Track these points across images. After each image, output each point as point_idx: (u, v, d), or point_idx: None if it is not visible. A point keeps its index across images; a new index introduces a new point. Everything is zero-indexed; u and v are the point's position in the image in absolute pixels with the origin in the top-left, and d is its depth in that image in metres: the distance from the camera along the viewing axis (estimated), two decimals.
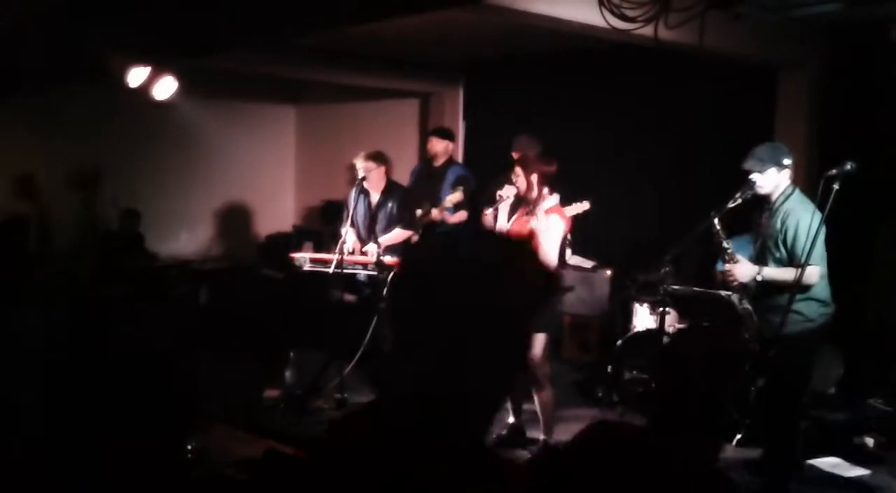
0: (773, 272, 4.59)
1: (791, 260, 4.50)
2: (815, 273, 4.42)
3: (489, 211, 5.56)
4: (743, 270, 4.65)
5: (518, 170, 5.17)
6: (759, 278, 4.58)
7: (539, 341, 5.06)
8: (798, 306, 4.44)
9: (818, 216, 4.33)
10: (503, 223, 5.34)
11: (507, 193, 5.26)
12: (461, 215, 7.08)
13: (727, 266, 4.73)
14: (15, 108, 8.06)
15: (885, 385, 6.05)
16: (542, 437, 5.30)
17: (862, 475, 5.08)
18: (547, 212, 5.05)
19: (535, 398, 5.21)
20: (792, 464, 4.66)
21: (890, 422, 5.77)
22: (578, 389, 6.63)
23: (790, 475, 4.59)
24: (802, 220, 4.44)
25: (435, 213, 6.84)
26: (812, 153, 6.42)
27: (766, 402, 4.95)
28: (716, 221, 4.69)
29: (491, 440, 5.31)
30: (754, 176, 4.59)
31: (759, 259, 4.69)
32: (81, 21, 6.00)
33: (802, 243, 4.40)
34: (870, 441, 5.50)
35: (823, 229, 4.36)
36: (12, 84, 7.20)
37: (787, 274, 4.47)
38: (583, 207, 5.71)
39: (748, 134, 6.69)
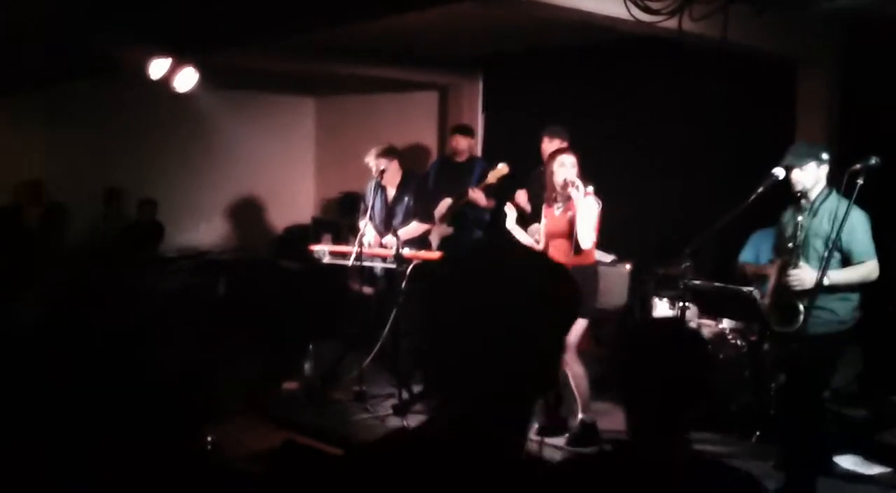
0: (840, 275, 4.40)
1: (851, 259, 4.43)
2: (876, 269, 4.38)
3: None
4: (807, 275, 4.44)
5: (564, 160, 5.36)
6: (826, 282, 4.32)
7: (579, 326, 5.26)
8: (833, 304, 4.40)
9: (865, 213, 4.31)
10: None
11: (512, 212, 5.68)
12: (490, 202, 7.03)
13: (790, 271, 4.53)
14: (31, 99, 8.13)
15: None
16: (580, 416, 5.43)
17: (883, 473, 5.04)
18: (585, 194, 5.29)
19: (570, 378, 5.37)
20: (816, 461, 4.62)
21: None
22: (594, 383, 6.59)
23: (815, 472, 4.55)
24: (856, 218, 4.37)
25: (472, 193, 6.82)
26: (833, 149, 6.35)
27: (787, 399, 4.91)
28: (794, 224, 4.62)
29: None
30: (795, 173, 4.54)
31: (802, 260, 4.56)
32: (102, 13, 6.02)
33: (861, 241, 4.37)
34: (891, 438, 5.45)
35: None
36: (28, 76, 7.24)
37: (853, 274, 4.42)
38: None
39: (768, 129, 6.69)
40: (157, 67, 6.62)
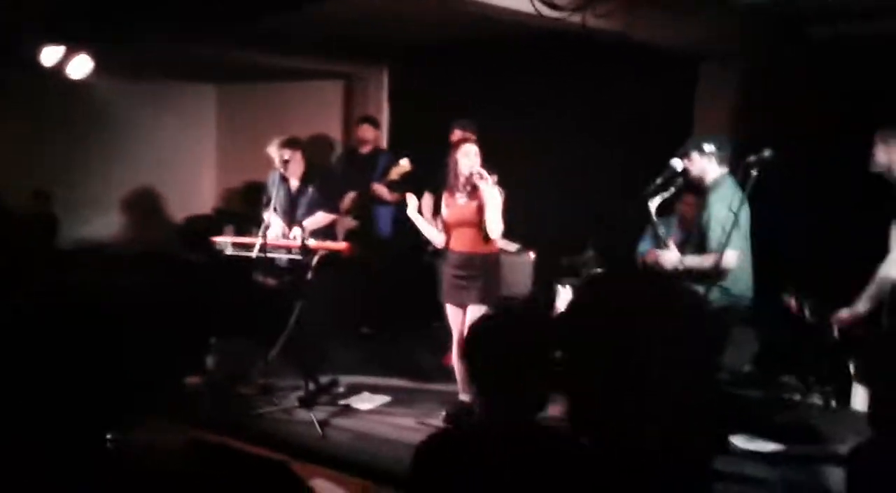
0: (692, 261, 4.71)
1: (706, 248, 4.63)
2: (731, 258, 4.53)
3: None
4: (667, 256, 4.77)
5: (469, 149, 5.42)
6: (680, 266, 4.68)
7: (481, 314, 5.24)
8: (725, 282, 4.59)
9: (737, 202, 4.44)
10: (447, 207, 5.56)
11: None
12: (399, 197, 7.05)
13: (658, 251, 4.85)
14: None
15: (797, 362, 6.26)
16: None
17: (778, 450, 5.25)
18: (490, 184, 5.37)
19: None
20: (715, 442, 4.77)
21: (803, 398, 5.99)
22: None
23: (713, 452, 4.70)
24: (714, 207, 4.57)
25: (376, 187, 6.79)
26: (734, 142, 6.55)
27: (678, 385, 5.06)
28: (651, 206, 4.77)
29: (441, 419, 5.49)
30: (685, 162, 4.74)
31: (683, 246, 4.81)
32: None
33: (715, 231, 4.54)
34: (784, 417, 5.69)
35: (744, 216, 4.50)
36: None
37: (703, 261, 4.61)
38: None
39: (672, 122, 6.87)
40: (50, 55, 6.38)
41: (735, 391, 5.79)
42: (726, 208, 4.53)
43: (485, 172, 5.33)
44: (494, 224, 5.35)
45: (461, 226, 5.53)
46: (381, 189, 6.79)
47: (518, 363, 2.30)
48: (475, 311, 5.34)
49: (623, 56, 6.59)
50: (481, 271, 5.48)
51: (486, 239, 5.44)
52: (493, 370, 2.32)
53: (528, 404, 2.30)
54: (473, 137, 5.96)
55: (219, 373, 6.07)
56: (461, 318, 5.53)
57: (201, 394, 5.93)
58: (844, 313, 4.74)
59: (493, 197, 5.35)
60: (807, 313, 5.00)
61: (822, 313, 4.91)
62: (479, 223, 5.41)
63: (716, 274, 4.47)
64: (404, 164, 6.62)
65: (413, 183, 6.92)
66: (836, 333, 4.84)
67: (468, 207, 5.47)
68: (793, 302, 5.08)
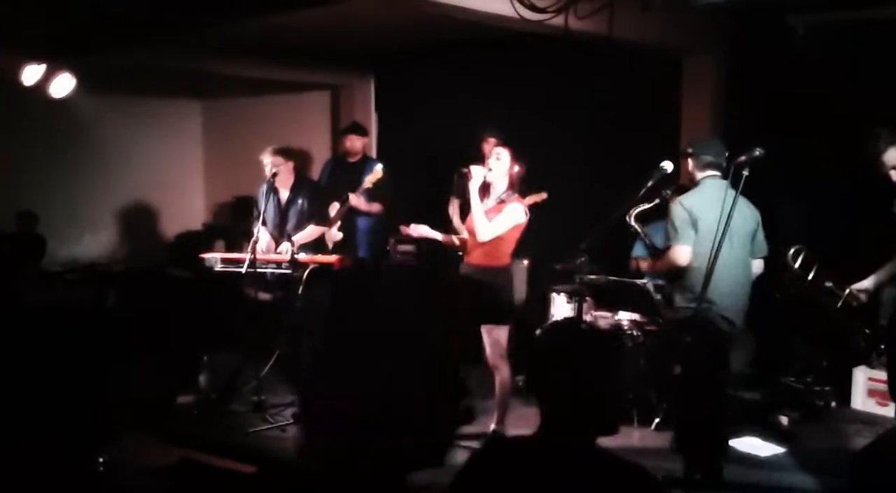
0: (650, 263, 4.75)
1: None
2: (677, 255, 4.49)
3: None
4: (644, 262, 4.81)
5: (503, 154, 5.26)
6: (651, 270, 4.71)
7: (504, 332, 5.23)
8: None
9: (714, 200, 4.38)
10: (476, 205, 5.18)
11: (479, 173, 5.18)
12: (376, 206, 7.01)
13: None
14: None
15: (796, 363, 6.21)
16: (493, 427, 5.30)
17: (777, 454, 5.19)
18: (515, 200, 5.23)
19: (497, 384, 5.31)
20: (717, 446, 4.71)
21: (802, 399, 5.94)
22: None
23: (716, 457, 4.64)
24: (671, 205, 4.58)
25: (353, 198, 6.72)
26: (719, 139, 6.51)
27: (682, 387, 5.00)
28: (632, 212, 4.74)
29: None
30: (666, 163, 4.72)
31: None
32: None
33: (667, 229, 4.56)
34: (784, 419, 5.63)
35: (738, 217, 4.45)
36: None
37: (661, 261, 4.68)
38: (541, 196, 6.09)
39: (659, 121, 6.83)
40: (31, 74, 6.31)
41: (736, 394, 5.73)
42: (677, 209, 4.52)
43: (477, 172, 5.16)
44: (488, 228, 5.13)
45: (472, 237, 5.34)
46: (358, 200, 6.71)
47: (593, 378, 2.19)
48: (498, 332, 5.22)
49: (611, 56, 6.54)
50: (492, 285, 5.25)
51: (495, 251, 5.24)
52: (565, 384, 2.20)
53: (594, 423, 2.19)
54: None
55: (210, 391, 5.98)
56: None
57: (192, 413, 5.85)
58: (865, 283, 4.78)
59: (511, 211, 5.17)
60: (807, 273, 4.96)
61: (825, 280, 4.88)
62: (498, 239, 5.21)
63: (677, 271, 4.49)
64: (378, 170, 6.53)
65: (388, 190, 6.87)
66: (839, 304, 4.84)
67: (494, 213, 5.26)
68: (791, 259, 5.00)
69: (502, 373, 5.28)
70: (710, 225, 4.23)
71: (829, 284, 4.91)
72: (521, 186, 5.31)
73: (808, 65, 6.10)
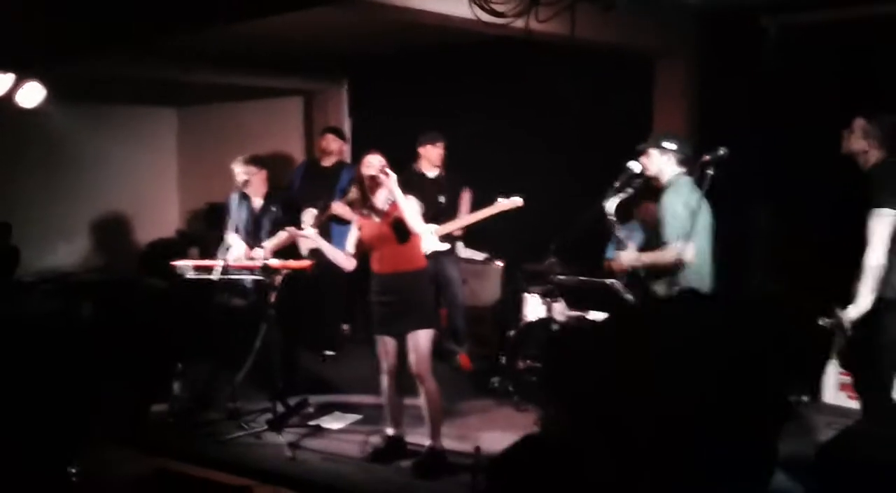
0: (649, 257, 4.71)
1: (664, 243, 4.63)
2: (680, 251, 4.50)
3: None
4: (625, 256, 4.78)
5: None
6: (638, 264, 4.68)
7: (426, 337, 4.94)
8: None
9: (694, 202, 4.43)
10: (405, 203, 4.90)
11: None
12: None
13: (617, 253, 4.86)
14: None
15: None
16: (427, 442, 5.03)
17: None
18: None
19: (423, 396, 4.97)
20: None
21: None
22: (474, 380, 6.64)
23: None
24: (670, 203, 4.56)
25: (335, 207, 6.72)
26: (692, 140, 6.56)
27: None
28: (608, 209, 4.75)
29: (367, 453, 5.23)
30: (642, 158, 4.76)
31: (646, 248, 4.82)
32: None
33: (671, 225, 4.53)
34: None
35: (704, 215, 4.50)
36: None
37: (660, 257, 4.60)
38: (515, 202, 6.28)
39: (631, 123, 6.86)
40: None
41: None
42: (682, 204, 4.52)
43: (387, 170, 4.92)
44: (421, 227, 4.91)
45: (384, 245, 5.00)
46: (342, 209, 6.69)
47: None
48: (419, 337, 4.91)
49: (583, 59, 6.59)
50: (411, 291, 4.97)
51: (409, 254, 4.99)
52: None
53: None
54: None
55: (185, 400, 5.97)
56: (394, 349, 5.02)
57: (167, 422, 5.84)
58: (853, 312, 4.39)
59: (408, 203, 4.87)
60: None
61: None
62: (403, 239, 4.93)
63: (676, 267, 4.46)
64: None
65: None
66: (849, 332, 4.49)
67: (384, 224, 4.98)
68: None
69: (427, 384, 4.94)
70: (701, 223, 4.45)
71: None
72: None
73: (781, 66, 6.17)
